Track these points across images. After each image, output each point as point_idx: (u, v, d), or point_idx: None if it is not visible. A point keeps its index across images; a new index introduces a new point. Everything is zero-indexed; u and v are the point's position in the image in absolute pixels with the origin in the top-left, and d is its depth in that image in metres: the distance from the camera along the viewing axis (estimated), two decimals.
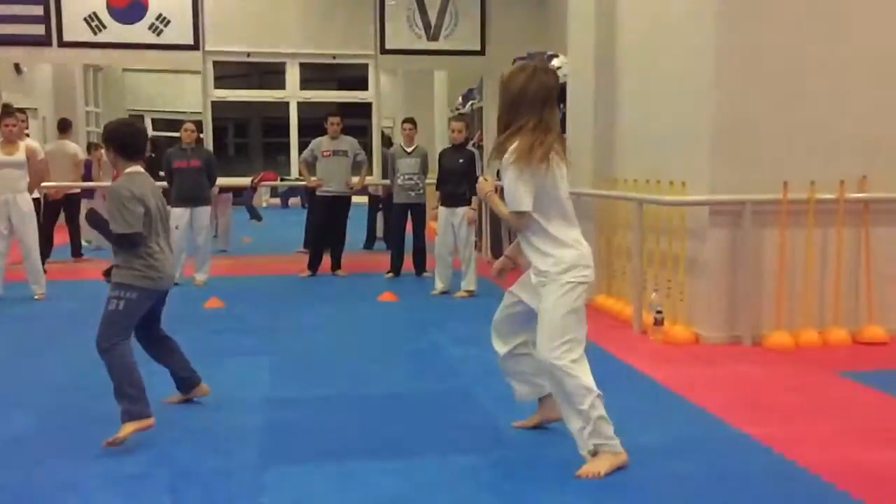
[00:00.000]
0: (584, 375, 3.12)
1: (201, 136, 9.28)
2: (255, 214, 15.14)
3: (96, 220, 3.68)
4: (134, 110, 16.21)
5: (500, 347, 3.59)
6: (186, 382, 4.07)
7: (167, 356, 4.00)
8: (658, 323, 5.51)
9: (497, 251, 9.62)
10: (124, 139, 3.69)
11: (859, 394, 4.27)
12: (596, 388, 3.11)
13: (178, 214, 7.61)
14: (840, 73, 5.31)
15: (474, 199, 7.36)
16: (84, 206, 9.36)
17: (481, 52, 9.95)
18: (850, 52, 5.30)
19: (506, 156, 3.16)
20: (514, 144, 3.14)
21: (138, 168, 3.72)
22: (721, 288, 5.36)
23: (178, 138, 7.99)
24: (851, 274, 5.48)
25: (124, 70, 15.39)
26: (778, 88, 5.27)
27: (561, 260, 3.16)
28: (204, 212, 7.81)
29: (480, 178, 3.51)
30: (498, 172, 3.67)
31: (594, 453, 3.11)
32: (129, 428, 3.46)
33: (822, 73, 5.30)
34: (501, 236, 9.50)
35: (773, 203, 5.28)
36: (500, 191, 3.32)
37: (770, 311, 5.37)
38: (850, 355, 5.11)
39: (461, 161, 7.32)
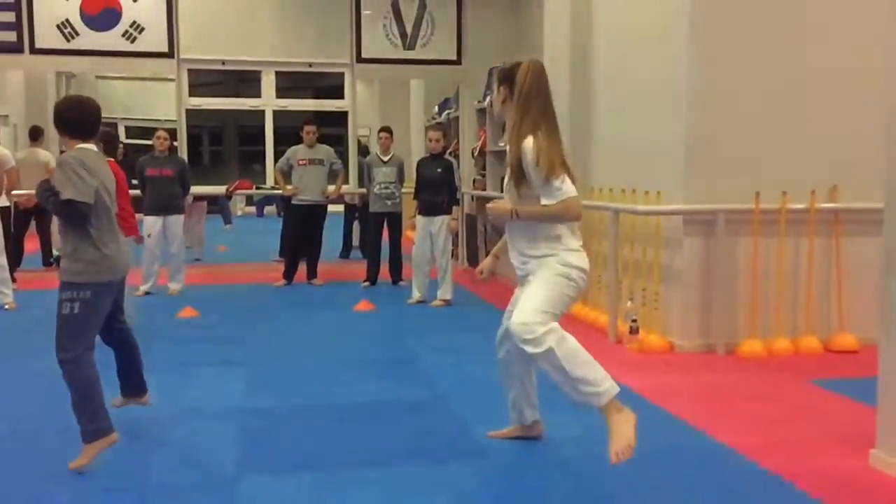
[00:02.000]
0: (571, 339, 3.01)
1: (175, 144, 9.21)
2: (227, 219, 15.12)
3: (42, 189, 3.30)
4: (108, 118, 16.03)
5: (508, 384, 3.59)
6: (133, 388, 3.80)
7: (125, 355, 3.73)
8: (633, 332, 5.54)
9: (474, 261, 9.63)
10: (74, 117, 3.43)
11: (831, 402, 4.32)
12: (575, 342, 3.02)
13: (151, 223, 7.53)
14: (810, 85, 5.39)
15: (455, 208, 7.37)
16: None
17: (457, 62, 9.97)
18: (821, 65, 5.38)
19: (525, 151, 3.08)
20: (528, 143, 3.08)
21: (91, 146, 3.45)
22: (695, 297, 5.41)
23: (152, 146, 7.93)
24: (822, 283, 5.55)
25: (97, 77, 15.21)
26: (750, 100, 5.34)
27: (567, 259, 3.13)
28: (177, 220, 7.75)
29: (488, 206, 3.36)
30: (501, 180, 3.64)
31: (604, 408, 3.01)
32: (93, 450, 3.25)
33: (792, 85, 5.38)
34: (478, 246, 9.53)
35: (745, 213, 5.34)
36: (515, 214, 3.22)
37: (743, 319, 5.42)
38: (821, 363, 5.17)
39: (439, 170, 7.33)
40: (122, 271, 3.46)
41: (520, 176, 3.15)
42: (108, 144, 6.16)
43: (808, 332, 5.48)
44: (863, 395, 3.96)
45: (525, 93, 3.15)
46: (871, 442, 3.39)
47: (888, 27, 3.35)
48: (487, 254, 10.81)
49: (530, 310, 3.02)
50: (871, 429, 3.41)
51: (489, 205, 3.34)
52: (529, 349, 3.01)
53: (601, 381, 2.99)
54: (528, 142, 3.09)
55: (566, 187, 3.06)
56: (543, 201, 3.08)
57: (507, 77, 3.24)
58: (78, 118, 3.44)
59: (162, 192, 7.58)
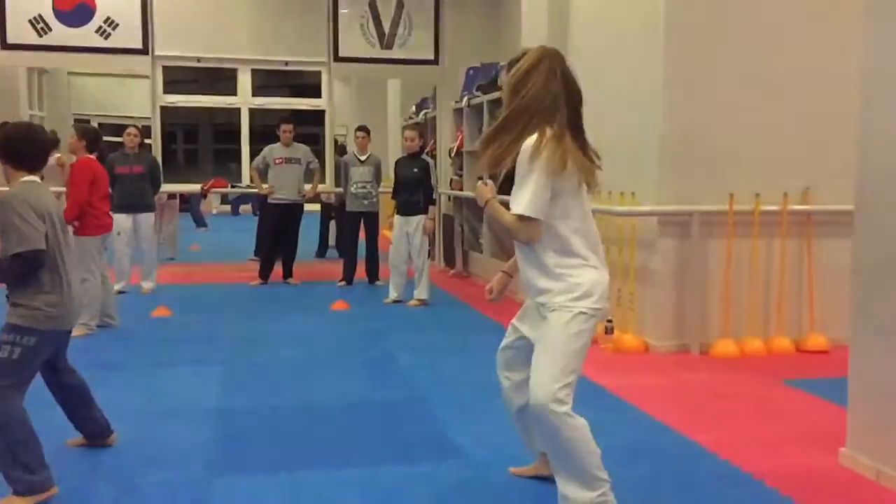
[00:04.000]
0: (582, 421, 2.65)
1: (147, 141, 9.11)
2: (200, 222, 14.98)
3: None
4: (80, 114, 15.84)
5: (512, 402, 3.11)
6: (96, 431, 3.51)
7: (77, 406, 3.43)
8: (609, 332, 5.58)
9: (451, 261, 9.64)
10: (22, 149, 3.13)
11: (802, 401, 4.37)
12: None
13: (121, 221, 7.45)
14: (784, 88, 5.45)
15: (431, 208, 7.37)
16: None
17: (435, 62, 9.97)
18: (795, 67, 5.45)
19: (524, 149, 2.62)
20: (530, 140, 2.63)
21: (35, 178, 3.15)
22: (670, 297, 5.46)
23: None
24: (795, 284, 5.62)
25: (70, 73, 15.02)
26: (724, 102, 5.39)
27: (577, 284, 2.65)
28: (147, 219, 7.64)
29: (479, 183, 2.96)
30: (492, 176, 3.20)
31: None
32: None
33: (766, 87, 5.44)
34: (454, 246, 9.54)
35: (719, 214, 5.40)
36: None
37: (717, 320, 5.47)
38: (793, 363, 5.24)
39: (415, 170, 7.33)
40: (73, 321, 3.23)
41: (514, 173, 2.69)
42: (93, 142, 6.08)
43: (781, 332, 5.55)
44: (833, 394, 4.02)
45: (516, 83, 2.68)
46: (842, 441, 3.44)
47: (862, 30, 3.40)
48: (465, 254, 10.79)
49: (548, 379, 2.61)
50: (841, 428, 3.46)
51: (479, 186, 2.92)
52: (543, 421, 2.64)
53: (595, 485, 2.66)
54: (531, 139, 2.62)
55: (536, 204, 2.59)
56: (510, 207, 2.66)
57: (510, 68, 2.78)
58: (26, 150, 3.15)
59: (132, 190, 7.47)
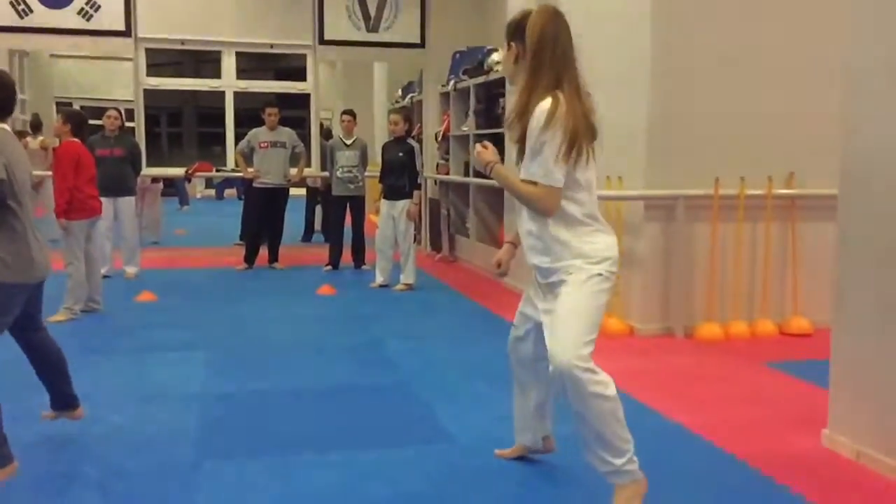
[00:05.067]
0: (608, 378, 2.61)
1: (131, 124, 9.04)
2: (184, 200, 15.03)
3: None
4: (62, 97, 15.68)
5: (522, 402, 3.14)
6: (62, 401, 3.43)
7: (49, 367, 3.37)
8: None
9: (437, 245, 9.64)
10: None
11: (785, 383, 4.42)
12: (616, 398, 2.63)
13: (102, 205, 7.36)
14: (770, 73, 5.46)
15: (416, 193, 7.35)
16: None
17: (421, 45, 9.92)
18: (781, 52, 5.46)
19: (536, 115, 2.55)
20: (544, 104, 2.55)
21: (4, 126, 3.10)
22: (655, 281, 5.49)
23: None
24: (779, 268, 5.66)
25: (52, 56, 14.84)
26: (710, 87, 5.39)
27: (595, 250, 2.62)
28: (128, 202, 7.56)
29: (478, 146, 2.83)
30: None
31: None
32: None
33: (752, 72, 5.45)
34: (441, 229, 9.53)
35: (705, 198, 5.42)
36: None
37: (701, 303, 5.51)
38: (776, 346, 5.29)
39: (401, 154, 7.31)
40: (43, 272, 3.14)
41: (524, 140, 2.64)
42: (78, 127, 6.01)
43: (765, 315, 5.59)
44: (816, 377, 4.06)
45: (537, 45, 2.60)
46: (823, 422, 3.48)
47: (848, 15, 3.41)
48: (451, 238, 10.78)
49: (571, 343, 2.56)
50: (823, 410, 3.50)
51: (481, 149, 2.81)
52: (569, 383, 2.58)
53: (624, 452, 2.64)
54: (545, 104, 2.55)
55: (555, 174, 2.53)
56: (523, 175, 2.60)
57: (516, 29, 2.71)
58: None
59: (112, 173, 7.37)
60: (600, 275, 2.61)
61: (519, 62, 2.71)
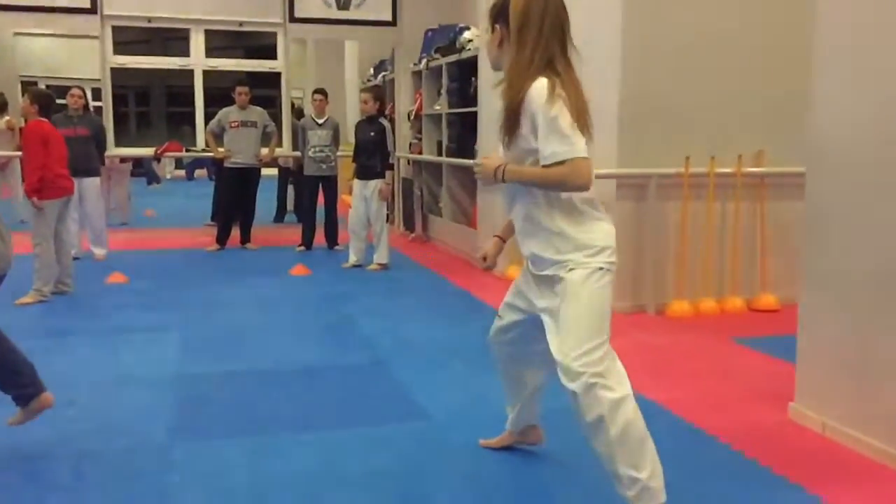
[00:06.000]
0: (623, 388, 2.42)
1: (98, 104, 8.87)
2: (153, 178, 14.89)
3: None
4: (27, 76, 15.34)
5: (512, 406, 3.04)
6: (24, 394, 3.15)
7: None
8: None
9: (410, 225, 9.63)
10: None
11: (752, 358, 4.50)
12: (634, 402, 2.45)
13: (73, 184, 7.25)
14: (739, 51, 5.51)
15: (388, 173, 7.33)
16: None
17: (393, 23, 9.85)
18: (750, 31, 5.50)
19: (533, 96, 2.35)
20: (539, 83, 2.35)
21: None
22: (627, 259, 5.52)
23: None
24: (748, 245, 5.74)
25: (16, 34, 14.50)
26: (681, 65, 5.43)
27: (592, 240, 2.45)
28: (93, 183, 7.45)
29: (481, 160, 2.60)
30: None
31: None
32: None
33: (722, 50, 5.48)
34: (414, 210, 9.52)
35: (676, 177, 5.47)
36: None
37: (672, 281, 5.58)
38: (744, 322, 5.37)
39: (372, 134, 7.27)
40: (4, 267, 3.01)
41: (513, 127, 2.42)
42: (45, 107, 5.90)
43: (733, 292, 5.68)
44: (783, 352, 4.14)
45: (523, 21, 2.40)
46: (791, 396, 3.56)
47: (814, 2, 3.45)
48: (424, 218, 10.75)
49: (573, 344, 2.40)
50: (790, 384, 3.58)
51: (479, 160, 2.62)
52: (576, 391, 2.40)
53: (641, 465, 2.41)
54: (541, 83, 2.34)
55: (578, 143, 2.31)
56: (544, 161, 2.35)
57: (500, 10, 2.49)
58: None
59: (76, 153, 7.20)
60: (601, 269, 2.43)
61: (504, 46, 2.48)
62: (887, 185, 3.05)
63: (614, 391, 2.39)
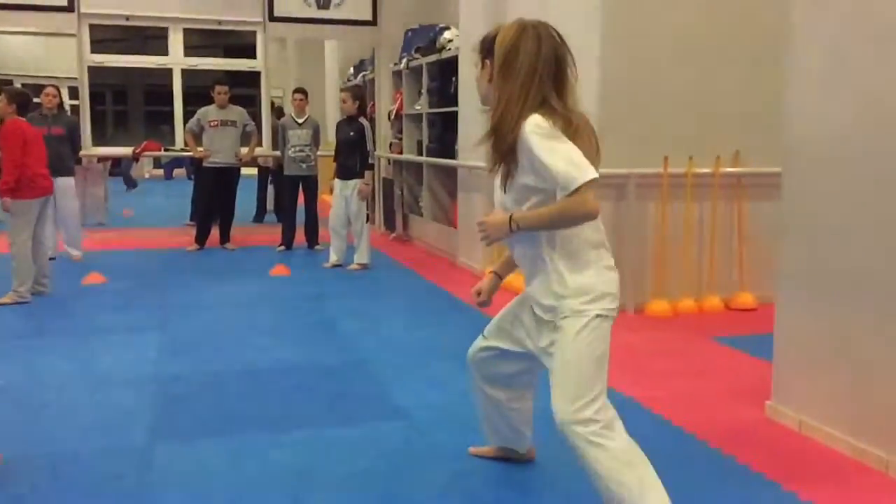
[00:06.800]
0: (621, 441, 2.35)
1: (75, 102, 8.78)
2: (131, 184, 14.76)
3: None
4: (2, 75, 15.17)
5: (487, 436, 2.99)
6: None
7: None
8: None
9: (390, 225, 9.63)
10: None
11: (731, 357, 4.55)
12: (641, 455, 2.38)
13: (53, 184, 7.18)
14: (717, 53, 5.56)
15: (367, 173, 7.32)
16: None
17: (373, 23, 9.84)
18: (728, 33, 5.55)
19: (527, 130, 2.26)
20: (532, 119, 2.28)
21: None
22: None
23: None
24: (725, 245, 5.80)
25: None
26: (660, 67, 5.47)
27: (592, 285, 2.36)
28: (67, 182, 7.37)
29: (485, 219, 2.47)
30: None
31: None
32: None
33: (700, 50, 5.53)
34: (394, 209, 9.52)
35: (654, 177, 5.52)
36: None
37: (651, 280, 5.62)
38: (722, 321, 5.43)
39: (351, 133, 7.26)
40: None
41: (510, 170, 2.35)
42: (23, 107, 5.85)
43: (711, 291, 5.73)
44: (760, 350, 4.18)
45: (507, 59, 2.32)
46: (767, 394, 3.60)
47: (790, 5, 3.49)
48: (405, 218, 10.73)
49: (568, 397, 2.32)
50: (766, 382, 3.62)
51: (483, 220, 2.47)
52: (571, 444, 2.34)
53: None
54: (534, 118, 2.28)
55: (583, 164, 2.26)
56: (562, 192, 2.26)
57: (490, 45, 2.41)
58: None
59: (50, 153, 7.15)
60: (599, 316, 2.33)
61: (494, 81, 2.38)
62: (861, 184, 3.10)
63: (608, 448, 2.31)
